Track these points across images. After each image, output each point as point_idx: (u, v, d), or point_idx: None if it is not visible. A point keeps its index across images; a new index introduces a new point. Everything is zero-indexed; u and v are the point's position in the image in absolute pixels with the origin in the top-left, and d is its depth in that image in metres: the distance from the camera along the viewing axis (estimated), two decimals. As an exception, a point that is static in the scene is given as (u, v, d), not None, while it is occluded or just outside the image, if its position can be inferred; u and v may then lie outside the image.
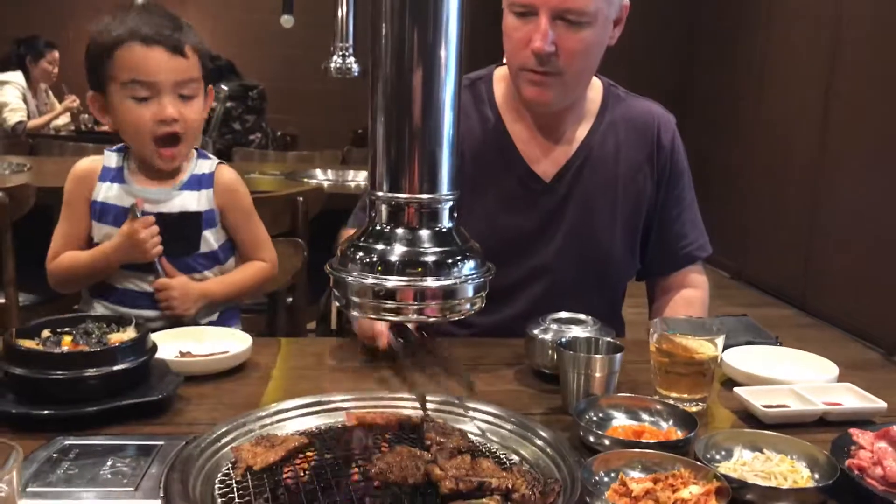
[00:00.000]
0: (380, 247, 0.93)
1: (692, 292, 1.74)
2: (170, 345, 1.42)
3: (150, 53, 1.58)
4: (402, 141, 0.91)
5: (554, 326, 1.39)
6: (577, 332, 1.36)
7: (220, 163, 1.78)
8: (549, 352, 1.34)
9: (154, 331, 1.40)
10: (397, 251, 0.93)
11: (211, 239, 1.72)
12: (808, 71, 5.54)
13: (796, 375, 1.37)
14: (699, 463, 1.01)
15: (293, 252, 2.11)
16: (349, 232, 1.63)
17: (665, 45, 7.47)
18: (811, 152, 5.45)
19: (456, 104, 0.93)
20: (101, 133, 5.50)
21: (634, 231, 1.72)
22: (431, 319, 0.98)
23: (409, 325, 1.33)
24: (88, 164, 1.74)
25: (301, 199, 2.81)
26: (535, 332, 1.39)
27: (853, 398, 1.27)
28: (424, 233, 0.94)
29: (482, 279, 0.96)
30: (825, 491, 0.99)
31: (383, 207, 0.94)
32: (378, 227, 0.94)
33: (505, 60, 1.62)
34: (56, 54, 5.74)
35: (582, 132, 1.69)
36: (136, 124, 1.62)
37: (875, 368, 1.59)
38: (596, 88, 1.72)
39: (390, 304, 0.93)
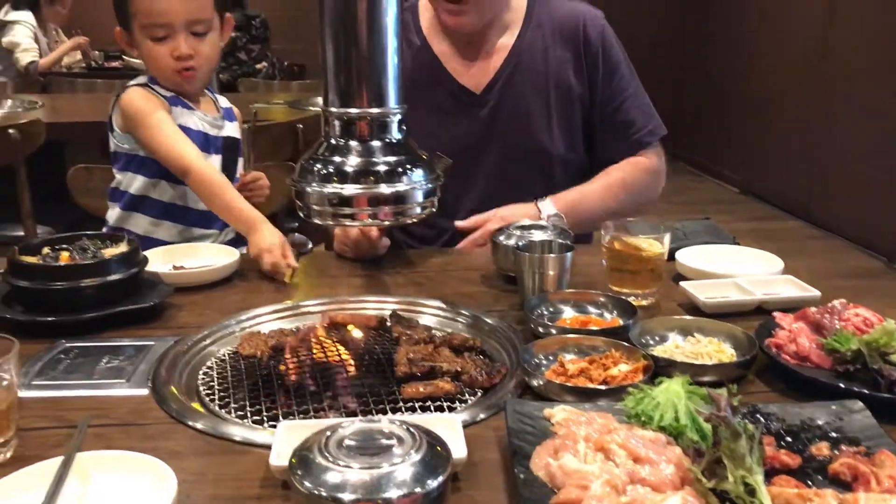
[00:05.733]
0: (335, 159, 1.04)
1: (620, 172, 1.79)
2: (166, 260, 1.54)
3: None
4: (351, 58, 1.00)
5: (517, 232, 1.49)
6: (537, 236, 1.46)
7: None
8: (510, 255, 1.44)
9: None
10: (351, 162, 1.03)
11: (241, 168, 1.92)
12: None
13: (744, 271, 1.46)
14: (630, 345, 1.12)
15: (285, 176, 2.20)
16: None
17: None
18: (818, 66, 5.39)
19: (398, 21, 1.01)
20: (112, 69, 5.58)
21: (571, 127, 1.78)
22: (385, 223, 1.09)
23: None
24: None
25: (301, 126, 2.90)
26: (500, 238, 1.49)
27: (791, 288, 1.36)
28: (376, 144, 1.04)
29: (431, 185, 1.06)
30: (743, 366, 1.09)
31: (336, 122, 1.04)
32: (332, 141, 1.04)
33: None
34: None
35: (508, 41, 1.77)
36: (156, 60, 1.76)
37: (876, 275, 1.63)
38: None
39: (346, 211, 1.04)
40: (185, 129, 1.76)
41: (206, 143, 1.81)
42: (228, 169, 1.87)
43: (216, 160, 1.84)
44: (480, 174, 1.76)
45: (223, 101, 1.95)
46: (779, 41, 5.91)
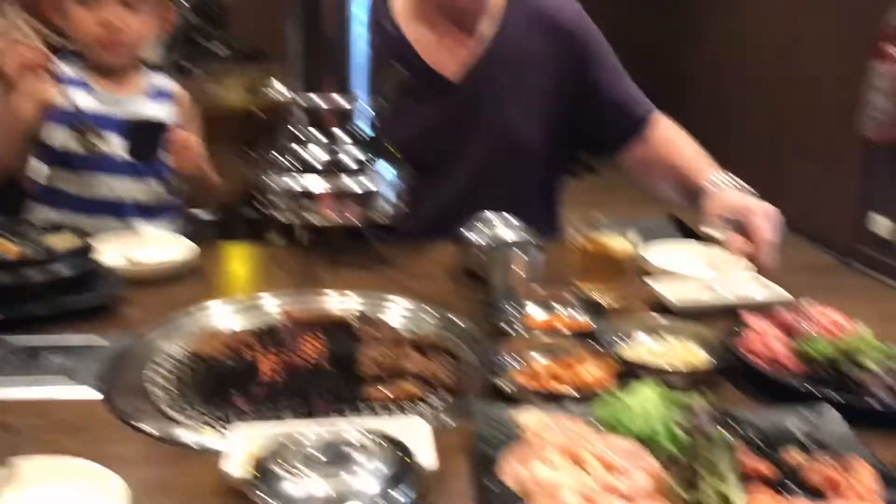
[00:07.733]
0: (298, 150, 0.99)
1: (669, 130, 1.76)
2: (117, 251, 1.47)
3: None
4: (320, 48, 0.96)
5: (484, 229, 1.45)
6: (505, 233, 1.43)
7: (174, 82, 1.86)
8: (477, 252, 1.40)
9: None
10: (315, 154, 0.98)
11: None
12: None
13: (712, 270, 1.44)
14: (601, 348, 1.09)
15: (242, 163, 2.13)
16: None
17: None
18: (777, 65, 5.45)
19: (369, 7, 0.97)
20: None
21: (553, 122, 1.74)
22: (353, 220, 1.04)
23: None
24: None
25: (259, 111, 2.82)
26: (466, 233, 1.45)
27: (761, 289, 1.35)
28: (342, 136, 0.99)
29: (401, 182, 1.02)
30: (715, 371, 1.07)
31: (301, 112, 0.99)
32: (296, 132, 0.99)
33: None
34: None
35: (488, 30, 1.71)
36: (80, 26, 1.67)
37: (833, 272, 1.65)
38: None
39: (310, 205, 0.99)
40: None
41: (98, 121, 1.68)
42: (144, 152, 1.73)
43: (114, 140, 1.70)
44: (455, 166, 1.70)
45: (163, 82, 1.83)
46: (740, 38, 5.96)
